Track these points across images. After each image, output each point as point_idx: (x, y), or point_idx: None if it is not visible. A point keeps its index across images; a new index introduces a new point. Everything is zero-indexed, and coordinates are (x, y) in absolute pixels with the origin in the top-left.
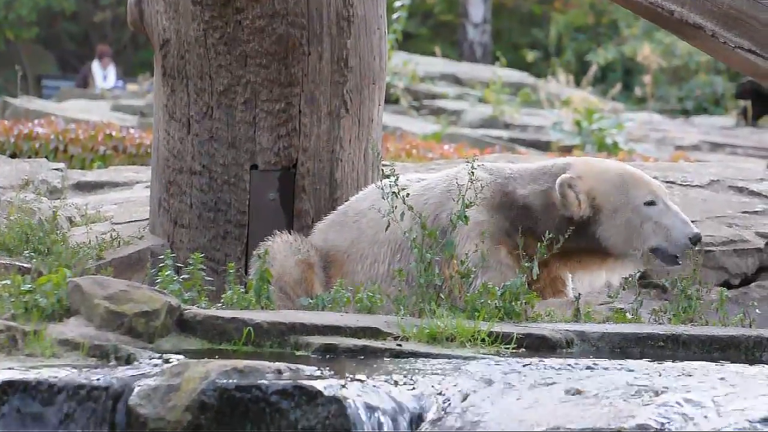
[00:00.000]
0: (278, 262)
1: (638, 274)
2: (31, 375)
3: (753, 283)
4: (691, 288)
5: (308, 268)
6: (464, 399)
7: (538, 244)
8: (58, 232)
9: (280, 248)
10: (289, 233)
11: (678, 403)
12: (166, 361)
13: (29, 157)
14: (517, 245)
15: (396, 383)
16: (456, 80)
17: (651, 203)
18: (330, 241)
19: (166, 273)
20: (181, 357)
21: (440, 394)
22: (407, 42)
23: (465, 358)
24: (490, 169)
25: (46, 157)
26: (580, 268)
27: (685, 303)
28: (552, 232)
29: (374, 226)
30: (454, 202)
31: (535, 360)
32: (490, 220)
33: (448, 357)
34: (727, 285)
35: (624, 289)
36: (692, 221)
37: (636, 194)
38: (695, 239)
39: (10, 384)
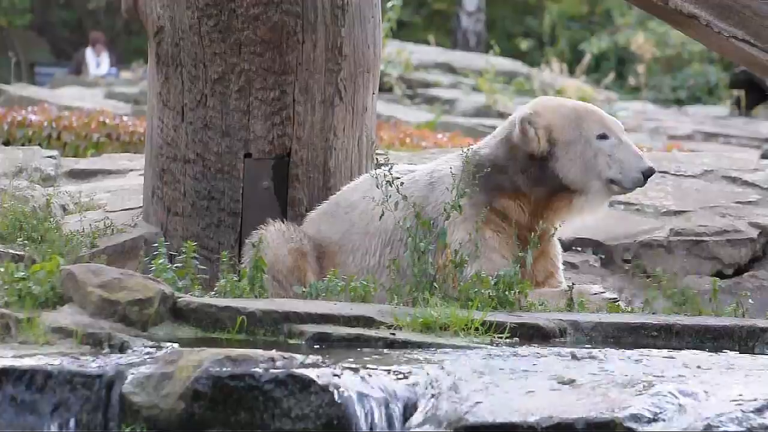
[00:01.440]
0: (271, 251)
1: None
2: (25, 363)
3: (746, 273)
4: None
5: (301, 256)
6: (457, 388)
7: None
8: (52, 219)
9: (273, 237)
10: (283, 222)
11: (671, 392)
12: (160, 349)
13: (22, 145)
14: (499, 214)
15: (389, 372)
16: (450, 69)
17: (603, 136)
18: (322, 232)
19: (160, 261)
20: (174, 345)
21: (433, 383)
22: (401, 30)
23: (458, 347)
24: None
25: (40, 144)
26: (554, 215)
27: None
28: (519, 180)
29: (365, 218)
30: (436, 195)
31: (528, 349)
32: (469, 202)
33: (442, 346)
34: (720, 275)
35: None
36: (686, 211)
37: (589, 127)
38: (648, 173)
39: (3, 371)
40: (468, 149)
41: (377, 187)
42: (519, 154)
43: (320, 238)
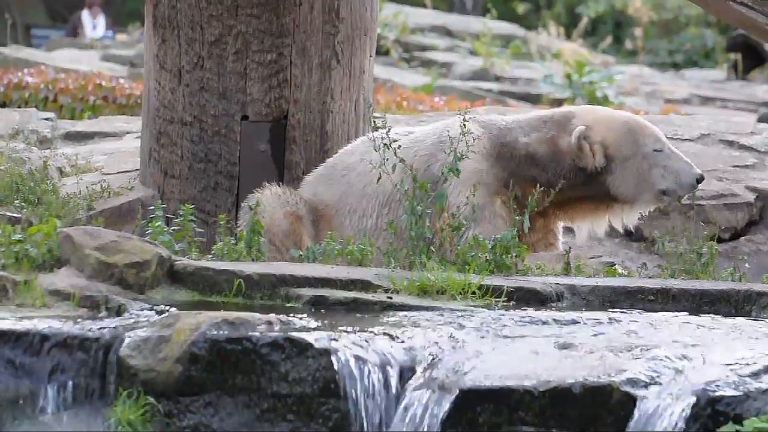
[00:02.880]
0: (267, 214)
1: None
2: (22, 325)
3: (743, 237)
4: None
5: (297, 220)
6: (454, 352)
7: (535, 193)
8: (49, 182)
9: (269, 200)
10: (279, 185)
11: (668, 356)
12: (157, 312)
13: (19, 107)
14: (515, 197)
15: (386, 336)
16: (446, 32)
17: (659, 150)
18: (318, 195)
19: (157, 224)
20: (171, 308)
21: (430, 346)
22: None
23: (455, 310)
24: (483, 121)
25: (36, 106)
26: (581, 216)
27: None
28: (558, 180)
29: (362, 179)
30: (445, 154)
31: (525, 313)
32: (489, 170)
33: (439, 309)
34: (718, 239)
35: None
36: None
37: (645, 142)
38: (700, 179)
39: (0, 334)
40: (465, 111)
41: (375, 150)
42: (566, 162)
43: (317, 200)
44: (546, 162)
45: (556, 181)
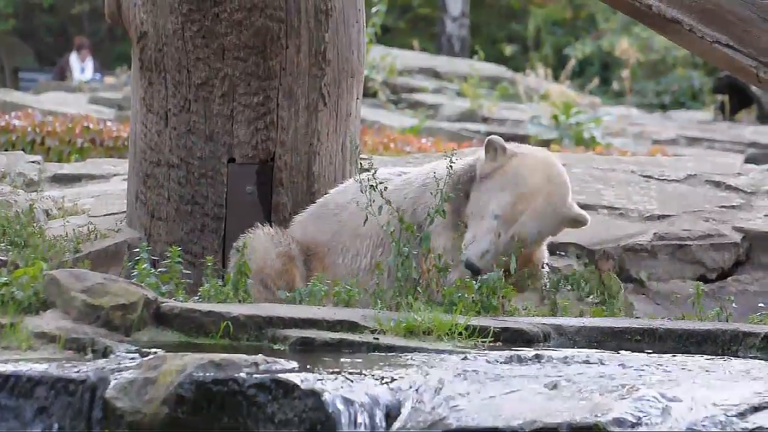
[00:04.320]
0: (260, 255)
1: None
2: (8, 368)
3: (730, 278)
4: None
5: (289, 260)
6: (441, 393)
7: None
8: (35, 224)
9: (262, 241)
10: (270, 226)
11: (654, 397)
12: (143, 354)
13: (6, 150)
14: None
15: (373, 377)
16: (434, 74)
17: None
18: (310, 234)
19: (143, 266)
20: (158, 350)
21: (417, 387)
22: (385, 35)
23: (442, 351)
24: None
25: (23, 149)
26: None
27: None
28: None
29: (356, 219)
30: (430, 195)
31: (512, 353)
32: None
33: (425, 350)
34: (704, 279)
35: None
36: (669, 216)
37: None
38: (468, 263)
39: None
40: (452, 153)
41: (361, 191)
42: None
43: (308, 240)
44: None
45: None
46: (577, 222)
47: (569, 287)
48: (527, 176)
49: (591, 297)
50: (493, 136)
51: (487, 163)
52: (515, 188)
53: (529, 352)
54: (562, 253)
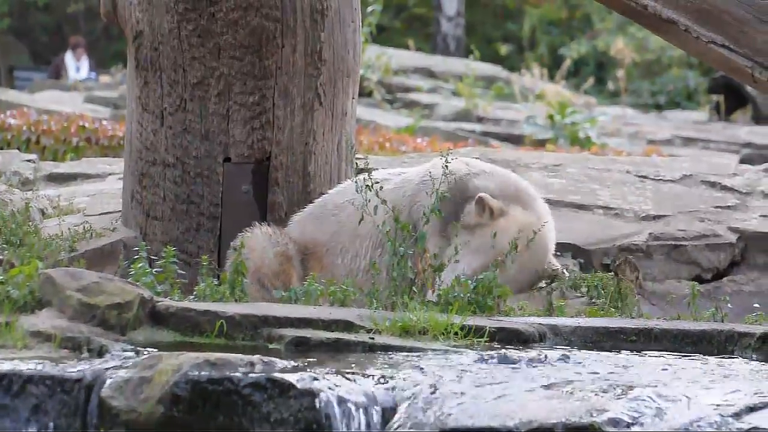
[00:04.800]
0: (257, 254)
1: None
2: (3, 367)
3: (725, 278)
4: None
5: (287, 260)
6: (436, 392)
7: None
8: (31, 223)
9: (259, 240)
10: (268, 225)
11: (650, 397)
12: (139, 353)
13: (1, 148)
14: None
15: (369, 376)
16: (429, 73)
17: None
18: (308, 234)
19: (139, 265)
20: (153, 349)
21: (413, 387)
22: (381, 35)
23: (438, 351)
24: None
25: (18, 148)
26: None
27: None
28: None
29: (354, 219)
30: (425, 195)
31: (507, 353)
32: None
33: (421, 350)
34: (699, 279)
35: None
36: (665, 216)
37: None
38: None
39: None
40: (447, 152)
41: (357, 191)
42: None
43: (306, 240)
44: None
45: None
46: (554, 277)
47: (583, 290)
48: (504, 245)
49: (602, 300)
50: (484, 195)
51: (474, 216)
52: (490, 253)
53: (524, 352)
54: (557, 253)
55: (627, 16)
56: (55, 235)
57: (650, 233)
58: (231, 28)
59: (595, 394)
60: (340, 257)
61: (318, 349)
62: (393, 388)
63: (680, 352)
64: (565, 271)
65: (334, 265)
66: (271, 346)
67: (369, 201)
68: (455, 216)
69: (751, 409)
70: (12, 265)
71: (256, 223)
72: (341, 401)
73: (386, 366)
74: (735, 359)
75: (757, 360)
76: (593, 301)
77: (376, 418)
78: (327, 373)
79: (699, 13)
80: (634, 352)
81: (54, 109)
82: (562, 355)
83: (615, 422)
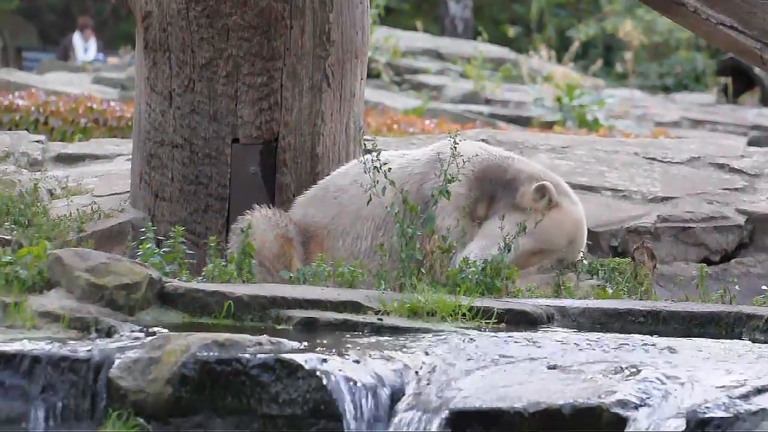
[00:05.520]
0: (258, 236)
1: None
2: (12, 347)
3: (733, 260)
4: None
5: (287, 242)
6: (445, 373)
7: None
8: (39, 204)
9: (259, 222)
10: (269, 207)
11: (658, 378)
12: (147, 333)
13: (9, 129)
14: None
15: (376, 357)
16: (437, 55)
17: None
18: (310, 216)
19: (147, 246)
20: (162, 330)
21: (421, 368)
22: (389, 16)
23: (445, 332)
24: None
25: (27, 129)
26: None
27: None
28: None
29: (356, 201)
30: (435, 176)
31: (515, 334)
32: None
33: (429, 331)
34: (708, 261)
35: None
36: (673, 198)
37: None
38: None
39: None
40: (456, 134)
41: (365, 172)
42: None
43: (308, 222)
44: None
45: None
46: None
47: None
48: (555, 236)
49: (619, 287)
50: (547, 184)
51: (530, 200)
52: (539, 242)
53: (532, 333)
54: None
55: None
56: (64, 215)
57: (658, 215)
58: (239, 9)
59: (603, 376)
60: (341, 239)
61: (326, 330)
62: (401, 369)
63: (688, 334)
64: (582, 257)
65: (335, 247)
66: (279, 327)
67: (377, 182)
68: (488, 197)
69: (759, 391)
70: (20, 245)
71: (256, 205)
72: (349, 382)
73: (394, 347)
74: (743, 341)
75: (765, 342)
76: (603, 284)
77: (384, 398)
78: (335, 354)
79: None
80: (643, 334)
81: (62, 90)
82: (570, 336)
83: (623, 404)
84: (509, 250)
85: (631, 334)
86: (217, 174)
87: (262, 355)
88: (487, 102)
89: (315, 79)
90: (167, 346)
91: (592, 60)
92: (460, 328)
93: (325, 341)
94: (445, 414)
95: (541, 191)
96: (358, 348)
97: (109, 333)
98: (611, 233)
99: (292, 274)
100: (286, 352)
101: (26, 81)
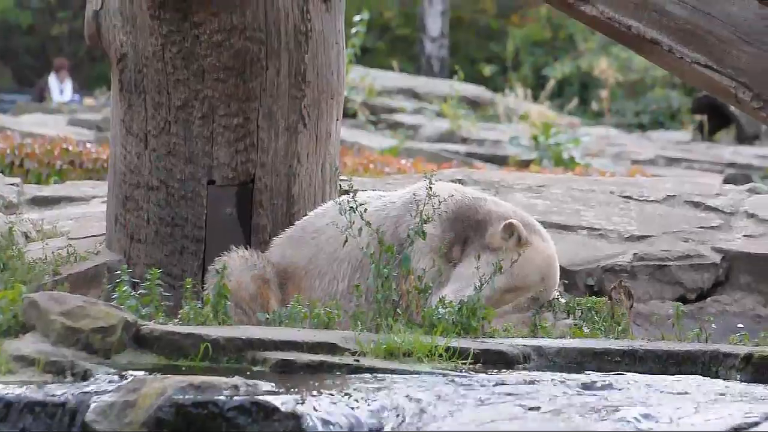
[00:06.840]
0: (234, 278)
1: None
2: None
3: (709, 298)
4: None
5: (264, 283)
6: (421, 414)
7: None
8: (14, 247)
9: (236, 264)
10: (246, 248)
11: (635, 418)
12: (123, 377)
13: None
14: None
15: (353, 399)
16: (413, 94)
17: None
18: (287, 258)
19: (123, 288)
20: (137, 373)
21: (397, 409)
22: (365, 56)
23: (422, 373)
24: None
25: (2, 171)
26: None
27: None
28: None
29: (333, 243)
30: (411, 217)
31: (492, 375)
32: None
33: (406, 372)
34: (683, 300)
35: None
36: (649, 236)
37: None
38: None
39: None
40: (432, 174)
41: (341, 213)
42: None
43: (285, 263)
44: None
45: None
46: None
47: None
48: (527, 273)
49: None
50: (515, 222)
51: (499, 239)
52: (512, 279)
53: (509, 374)
54: None
55: (610, 36)
56: (39, 258)
57: (634, 254)
58: (215, 51)
59: (580, 416)
60: (318, 280)
61: (303, 371)
62: (378, 411)
63: (665, 373)
64: (559, 296)
65: (312, 288)
66: (255, 369)
67: (353, 222)
68: (462, 239)
69: (737, 431)
70: None
71: (233, 246)
72: (326, 424)
73: (371, 388)
74: (720, 380)
75: (741, 381)
76: (579, 323)
77: None
78: (312, 396)
79: (683, 34)
80: (619, 373)
81: (38, 132)
82: (546, 376)
83: None
84: (482, 291)
85: (608, 374)
86: (193, 216)
87: (239, 398)
88: (464, 141)
89: (291, 120)
90: (143, 389)
91: (568, 98)
92: (437, 368)
93: (302, 383)
94: None
95: (509, 229)
96: (335, 389)
97: (84, 376)
98: (587, 272)
99: (268, 316)
100: (263, 395)
101: (1, 123)
